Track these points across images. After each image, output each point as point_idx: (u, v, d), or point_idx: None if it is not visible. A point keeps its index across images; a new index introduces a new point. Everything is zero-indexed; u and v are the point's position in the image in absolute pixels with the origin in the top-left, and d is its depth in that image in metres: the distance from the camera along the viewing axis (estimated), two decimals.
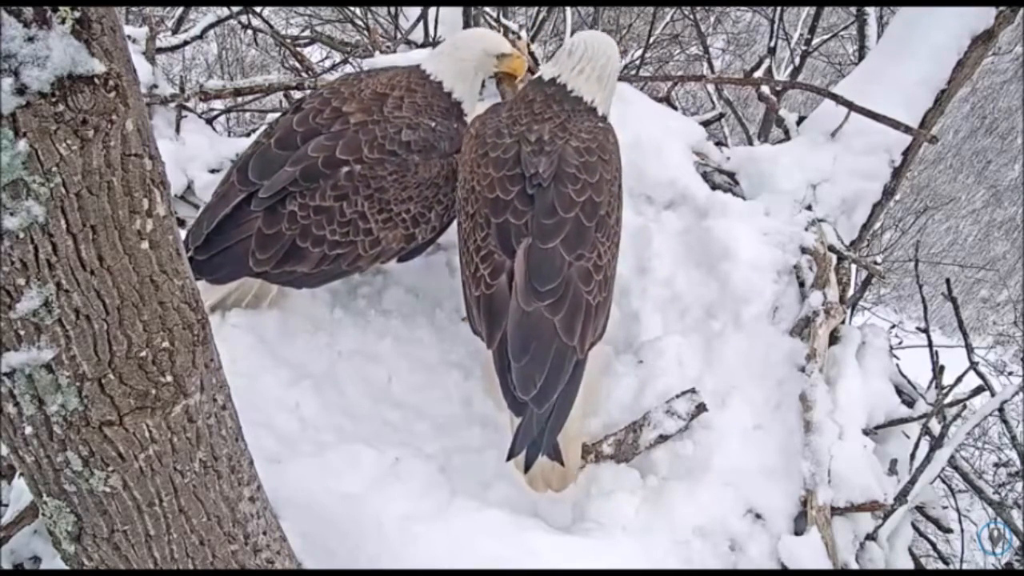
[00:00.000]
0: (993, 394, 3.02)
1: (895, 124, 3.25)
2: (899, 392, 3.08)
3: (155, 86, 3.76)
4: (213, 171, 3.61)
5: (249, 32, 5.87)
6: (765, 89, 4.28)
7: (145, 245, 1.28)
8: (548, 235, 2.34)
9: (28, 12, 1.03)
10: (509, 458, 2.33)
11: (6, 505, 2.44)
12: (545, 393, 2.26)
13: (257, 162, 2.67)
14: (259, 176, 2.64)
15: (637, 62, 7.38)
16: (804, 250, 3.14)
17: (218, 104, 4.44)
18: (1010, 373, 8.33)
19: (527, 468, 2.36)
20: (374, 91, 2.79)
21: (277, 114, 3.65)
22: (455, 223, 2.70)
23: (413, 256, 3.02)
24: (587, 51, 2.57)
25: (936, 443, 2.74)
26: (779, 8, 5.64)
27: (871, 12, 4.65)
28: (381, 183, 2.66)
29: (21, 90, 1.05)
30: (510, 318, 2.30)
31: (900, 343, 5.30)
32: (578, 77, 2.57)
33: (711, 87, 5.83)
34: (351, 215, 2.66)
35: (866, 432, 2.76)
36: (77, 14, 1.07)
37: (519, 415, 2.32)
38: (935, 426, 2.93)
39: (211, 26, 4.90)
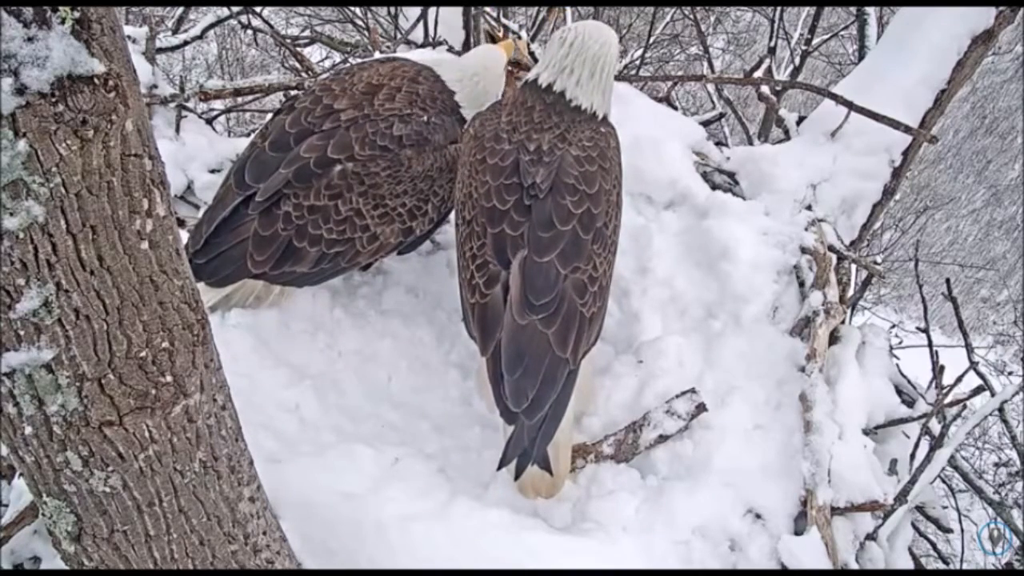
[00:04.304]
0: (993, 394, 3.02)
1: (895, 124, 3.25)
2: (899, 392, 3.08)
3: (155, 86, 3.76)
4: (213, 171, 3.61)
5: (249, 32, 5.88)
6: (765, 89, 4.28)
7: (145, 245, 1.28)
8: (544, 248, 2.33)
9: (28, 12, 1.03)
10: (500, 467, 2.35)
11: (6, 505, 2.44)
12: (537, 405, 2.27)
13: (252, 165, 2.68)
14: (255, 179, 2.65)
15: (637, 62, 7.38)
16: (804, 250, 3.14)
17: (218, 104, 4.44)
18: (1010, 373, 8.35)
19: (517, 477, 2.38)
20: (368, 83, 2.78)
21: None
22: (453, 222, 2.70)
23: (413, 248, 3.03)
24: (573, 50, 2.48)
25: (936, 443, 2.74)
26: (779, 8, 5.63)
27: (871, 12, 4.65)
28: (375, 179, 2.67)
29: (21, 90, 1.05)
30: (504, 331, 2.30)
31: (900, 343, 5.31)
32: (569, 78, 2.49)
33: (711, 87, 5.84)
34: (347, 213, 2.66)
35: (866, 432, 2.76)
36: (77, 14, 1.07)
37: (510, 424, 2.34)
38: (935, 426, 2.93)
39: (211, 26, 4.90)
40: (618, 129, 2.65)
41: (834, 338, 3.00)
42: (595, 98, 2.53)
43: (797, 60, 6.35)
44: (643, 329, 2.98)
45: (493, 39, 4.11)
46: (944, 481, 4.52)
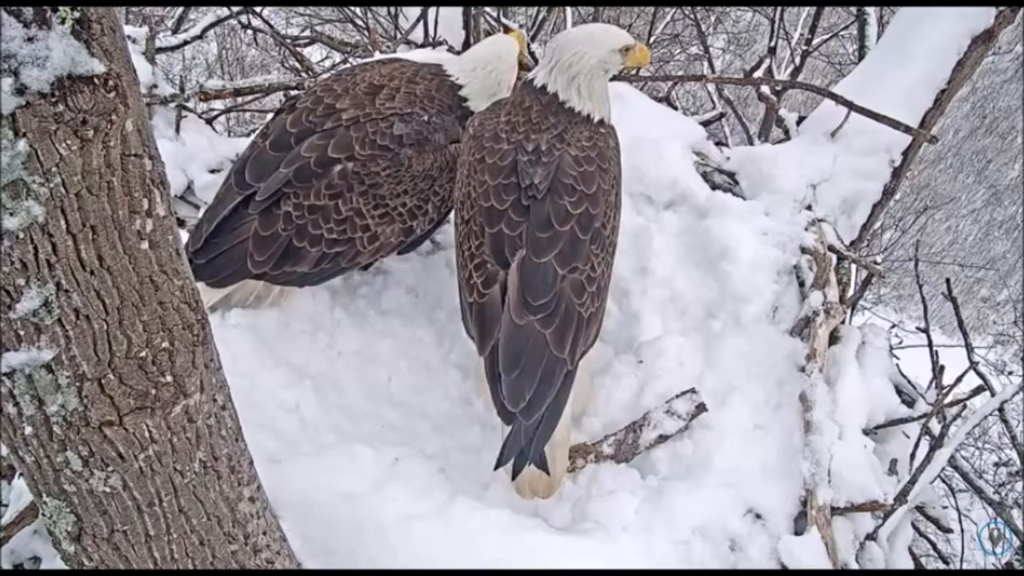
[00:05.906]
0: (993, 394, 3.02)
1: (895, 124, 3.25)
2: (899, 392, 3.08)
3: (155, 86, 3.76)
4: (213, 171, 3.61)
5: (249, 32, 5.88)
6: (765, 89, 4.28)
7: (145, 245, 1.28)
8: (542, 249, 2.34)
9: (28, 12, 1.03)
10: (497, 467, 2.35)
11: (6, 505, 2.44)
12: (534, 405, 2.27)
13: (253, 164, 2.68)
14: (255, 178, 2.65)
15: None
16: (804, 250, 3.13)
17: (218, 104, 4.44)
18: (1010, 373, 8.36)
19: (514, 477, 2.37)
20: (370, 83, 2.79)
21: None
22: (453, 222, 2.70)
23: (413, 248, 3.03)
24: (554, 57, 2.48)
25: (936, 443, 2.74)
26: (779, 8, 5.63)
27: (871, 12, 4.65)
28: (375, 179, 2.67)
29: (21, 90, 1.05)
30: (502, 331, 2.31)
31: (900, 343, 5.31)
32: (556, 84, 2.49)
33: (711, 87, 5.84)
34: (347, 212, 2.66)
35: (866, 432, 2.76)
36: (77, 14, 1.07)
37: (508, 423, 2.34)
38: (935, 426, 2.93)
39: (211, 26, 4.90)
40: (618, 129, 2.64)
41: (834, 338, 3.00)
42: (585, 103, 2.53)
43: (797, 60, 6.35)
44: (643, 329, 2.98)
45: None
46: (944, 481, 4.52)
